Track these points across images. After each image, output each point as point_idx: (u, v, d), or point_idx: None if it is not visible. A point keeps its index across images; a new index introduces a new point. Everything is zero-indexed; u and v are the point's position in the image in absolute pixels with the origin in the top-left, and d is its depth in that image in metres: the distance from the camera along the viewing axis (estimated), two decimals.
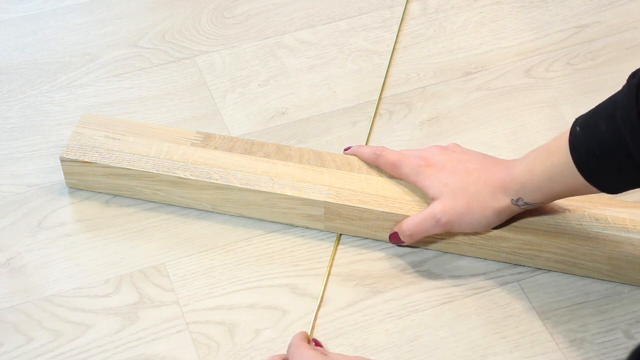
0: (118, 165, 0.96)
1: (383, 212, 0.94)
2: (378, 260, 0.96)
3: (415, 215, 0.92)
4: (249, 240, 0.98)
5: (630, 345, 0.89)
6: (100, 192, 1.00)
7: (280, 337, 0.90)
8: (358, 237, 0.97)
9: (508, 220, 0.92)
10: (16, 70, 1.14)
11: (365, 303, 0.93)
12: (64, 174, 0.99)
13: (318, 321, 0.91)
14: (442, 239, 0.95)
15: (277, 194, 0.95)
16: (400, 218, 0.93)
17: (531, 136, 1.07)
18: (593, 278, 0.94)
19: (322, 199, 0.94)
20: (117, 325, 0.91)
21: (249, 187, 0.95)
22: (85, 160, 0.97)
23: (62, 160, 0.98)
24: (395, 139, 1.07)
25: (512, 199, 0.89)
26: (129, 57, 1.16)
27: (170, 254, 0.96)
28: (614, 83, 1.11)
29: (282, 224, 0.97)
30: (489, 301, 0.93)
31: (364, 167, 0.98)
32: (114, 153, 0.97)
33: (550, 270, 0.95)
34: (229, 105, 1.11)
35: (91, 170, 0.98)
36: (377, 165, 0.97)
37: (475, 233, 0.92)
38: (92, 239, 0.98)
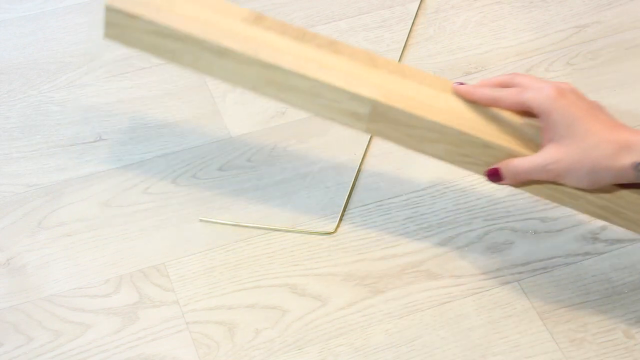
0: (165, 24, 0.89)
1: (434, 122, 0.87)
2: (378, 260, 0.96)
3: (527, 159, 0.86)
4: (249, 240, 0.98)
5: (630, 346, 0.89)
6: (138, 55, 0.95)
7: (280, 337, 0.90)
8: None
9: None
10: (16, 70, 1.15)
11: (365, 303, 0.93)
12: (106, 24, 0.92)
13: (318, 321, 0.91)
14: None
15: (325, 82, 0.89)
16: (450, 131, 0.87)
17: None
18: None
19: (371, 96, 0.88)
20: (117, 325, 0.91)
21: (297, 70, 0.89)
22: (133, 12, 0.89)
23: (108, 8, 0.89)
24: None
25: (636, 162, 0.82)
26: (129, 57, 1.16)
27: (170, 254, 0.96)
28: (614, 83, 1.11)
29: (321, 118, 0.92)
30: (489, 301, 0.93)
31: (417, 75, 0.92)
32: (162, 12, 0.91)
33: (550, 270, 0.95)
34: (229, 105, 1.11)
35: (135, 25, 0.90)
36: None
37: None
38: (92, 239, 0.98)
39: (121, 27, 0.91)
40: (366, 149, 1.06)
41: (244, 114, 1.10)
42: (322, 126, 1.08)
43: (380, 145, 1.06)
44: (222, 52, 0.89)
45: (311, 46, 0.92)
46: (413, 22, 1.21)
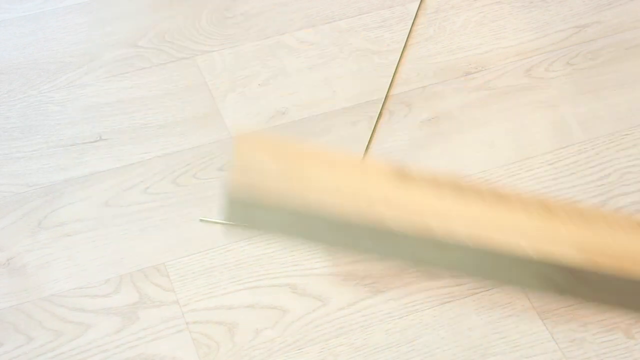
0: (304, 207, 0.68)
1: None
2: (378, 260, 0.96)
3: None
4: (249, 240, 0.98)
5: (630, 345, 0.89)
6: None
7: (280, 337, 0.90)
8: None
9: None
10: (16, 70, 1.15)
11: (365, 303, 0.93)
12: (227, 214, 0.67)
13: (318, 321, 0.91)
14: None
15: (510, 251, 0.69)
16: None
17: (531, 136, 1.07)
18: None
19: (570, 260, 0.71)
20: (117, 325, 0.91)
21: (476, 241, 0.69)
22: (261, 202, 0.68)
23: (231, 202, 0.67)
24: (396, 138, 1.07)
25: None
26: (129, 57, 1.16)
27: (170, 254, 0.96)
28: (614, 83, 1.11)
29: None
30: (489, 301, 0.93)
31: (600, 216, 0.74)
32: (294, 183, 0.68)
33: None
34: (229, 105, 1.11)
35: (265, 212, 0.69)
36: None
37: None
38: (92, 239, 0.98)
39: (246, 215, 0.69)
40: (366, 149, 1.06)
41: (244, 113, 1.10)
42: (322, 126, 1.08)
43: (380, 145, 1.06)
44: (383, 232, 0.70)
45: (476, 201, 0.72)
46: (413, 22, 1.21)
